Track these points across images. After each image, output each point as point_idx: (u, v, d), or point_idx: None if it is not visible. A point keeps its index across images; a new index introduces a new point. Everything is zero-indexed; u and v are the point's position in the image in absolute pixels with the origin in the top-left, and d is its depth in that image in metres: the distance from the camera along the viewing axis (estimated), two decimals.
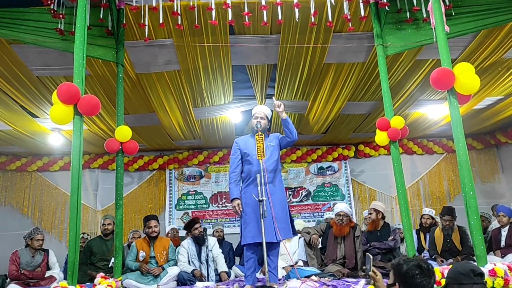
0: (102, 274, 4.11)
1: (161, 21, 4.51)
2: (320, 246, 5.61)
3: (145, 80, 6.03)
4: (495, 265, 3.21)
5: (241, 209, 4.08)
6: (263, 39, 5.38)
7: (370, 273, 2.59)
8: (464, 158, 3.49)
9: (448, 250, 5.78)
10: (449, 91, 3.58)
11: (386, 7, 4.74)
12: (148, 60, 5.60)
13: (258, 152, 3.95)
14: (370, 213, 5.68)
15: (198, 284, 4.89)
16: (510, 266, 3.91)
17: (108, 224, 6.06)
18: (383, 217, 5.72)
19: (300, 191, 9.58)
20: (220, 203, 9.37)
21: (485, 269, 3.18)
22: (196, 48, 5.39)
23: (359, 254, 5.31)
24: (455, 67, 3.57)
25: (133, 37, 5.13)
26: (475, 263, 2.76)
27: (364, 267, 2.56)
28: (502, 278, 3.13)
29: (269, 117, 4.38)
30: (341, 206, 5.56)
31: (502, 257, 5.37)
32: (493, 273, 3.13)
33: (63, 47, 4.52)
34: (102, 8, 4.60)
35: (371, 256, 2.80)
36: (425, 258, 6.01)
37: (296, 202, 9.49)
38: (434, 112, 7.81)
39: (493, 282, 3.11)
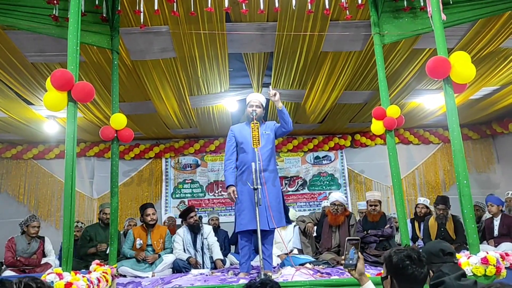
0: (97, 261, 4.12)
1: (156, 7, 4.47)
2: (315, 234, 5.64)
3: (141, 68, 5.99)
4: (487, 253, 3.23)
5: (236, 196, 4.10)
6: (260, 27, 5.34)
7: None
8: (458, 147, 3.49)
9: (442, 239, 5.78)
10: (445, 80, 3.57)
11: None
12: (143, 47, 5.56)
13: (253, 140, 3.95)
14: (375, 205, 5.66)
15: (193, 271, 4.92)
16: (503, 255, 3.95)
17: (109, 213, 6.05)
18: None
19: (296, 180, 9.61)
20: (216, 192, 9.39)
21: (478, 257, 3.21)
22: (192, 35, 5.35)
23: None
24: (451, 56, 3.56)
25: (128, 24, 5.09)
26: (446, 243, 2.75)
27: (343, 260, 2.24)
28: (494, 266, 3.15)
29: (264, 105, 4.38)
30: (336, 195, 5.59)
31: (495, 246, 5.43)
32: (485, 261, 3.15)
33: (57, 33, 4.47)
34: None
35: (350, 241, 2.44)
36: (419, 246, 6.06)
37: (292, 191, 9.52)
38: (431, 102, 7.81)
39: (485, 270, 3.14)
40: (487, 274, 3.13)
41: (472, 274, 3.14)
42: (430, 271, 2.23)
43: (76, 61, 3.54)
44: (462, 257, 3.28)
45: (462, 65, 3.49)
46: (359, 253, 2.37)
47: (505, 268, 3.81)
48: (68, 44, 3.61)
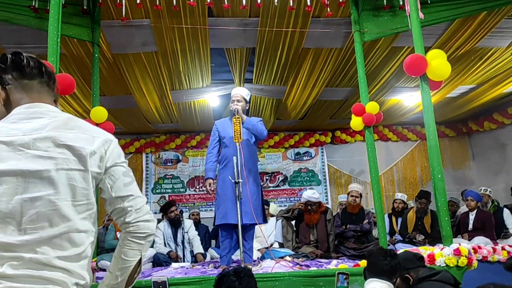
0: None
1: (138, 1, 4.45)
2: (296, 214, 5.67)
3: (122, 61, 5.95)
4: (459, 245, 3.35)
5: (212, 189, 4.11)
6: (242, 22, 5.37)
7: None
8: (433, 142, 3.60)
9: (419, 232, 5.97)
10: (421, 77, 3.67)
11: None
12: (124, 41, 5.53)
13: (234, 135, 3.97)
14: (356, 197, 5.75)
15: (173, 264, 4.92)
16: (475, 248, 4.09)
17: None
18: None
19: (277, 176, 9.68)
20: (197, 187, 9.39)
21: (450, 249, 3.32)
22: (174, 29, 5.34)
23: (331, 237, 5.43)
24: (428, 54, 3.66)
25: (109, 17, 5.04)
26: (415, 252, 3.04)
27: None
28: (466, 257, 3.27)
29: (248, 99, 4.38)
30: (307, 195, 5.55)
31: (469, 240, 5.59)
32: (457, 252, 3.26)
33: (37, 25, 4.41)
34: None
35: None
36: (396, 240, 6.21)
37: (273, 186, 9.59)
38: (409, 99, 7.97)
39: (457, 261, 3.25)
40: (459, 265, 3.25)
41: (445, 264, 3.25)
42: (409, 276, 2.49)
43: (56, 53, 3.52)
44: (436, 249, 3.38)
45: (438, 62, 3.59)
46: None
47: (478, 260, 3.96)
48: (49, 36, 3.58)
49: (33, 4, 4.38)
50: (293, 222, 5.77)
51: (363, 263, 3.55)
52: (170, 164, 9.48)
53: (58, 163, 1.24)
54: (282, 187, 9.64)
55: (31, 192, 1.20)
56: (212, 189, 4.14)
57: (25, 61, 1.34)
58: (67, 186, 1.25)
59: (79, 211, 1.27)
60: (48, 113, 1.33)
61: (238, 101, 4.25)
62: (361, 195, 5.83)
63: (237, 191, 3.84)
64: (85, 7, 4.63)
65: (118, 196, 1.37)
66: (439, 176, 3.53)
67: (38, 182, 1.21)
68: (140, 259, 1.39)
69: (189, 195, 9.35)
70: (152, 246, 5.39)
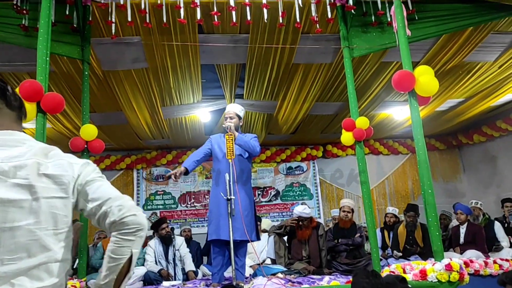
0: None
1: (129, 19, 4.47)
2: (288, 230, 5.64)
3: (112, 78, 5.95)
4: (451, 259, 3.34)
5: (176, 174, 4.04)
6: (232, 39, 5.41)
7: None
8: (423, 157, 3.62)
9: (410, 247, 5.96)
10: (410, 93, 3.71)
11: (352, 10, 4.85)
12: (115, 58, 5.54)
13: (227, 152, 3.98)
14: (348, 212, 5.75)
15: (164, 283, 4.87)
16: (467, 262, 4.09)
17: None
18: None
19: (269, 191, 9.65)
20: (189, 203, 9.32)
21: (442, 264, 3.31)
22: (164, 46, 5.37)
23: (323, 253, 5.40)
24: (415, 70, 3.70)
25: (100, 34, 5.06)
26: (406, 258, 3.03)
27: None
28: (457, 272, 3.26)
29: (241, 115, 4.38)
30: (298, 210, 5.53)
31: (461, 254, 5.59)
32: (449, 267, 3.25)
33: (26, 44, 4.42)
34: (68, 5, 4.51)
35: None
36: (388, 255, 6.19)
37: (265, 201, 9.56)
38: (399, 113, 8.04)
39: (449, 276, 3.24)
40: (451, 280, 3.24)
41: (437, 280, 3.24)
42: None
43: (45, 72, 3.51)
44: (428, 264, 3.38)
45: (426, 78, 3.63)
46: None
47: (470, 274, 3.96)
48: (38, 54, 3.58)
49: (23, 22, 4.39)
50: (285, 238, 5.74)
51: None
52: (162, 180, 9.43)
53: (38, 191, 1.21)
54: (274, 202, 9.61)
55: (10, 222, 1.17)
56: (177, 174, 4.05)
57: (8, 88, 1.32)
58: (48, 214, 1.22)
59: (59, 239, 1.25)
60: (25, 141, 1.30)
61: (231, 118, 4.26)
62: (352, 210, 5.84)
63: (229, 208, 3.83)
64: (75, 25, 4.65)
65: (97, 204, 1.32)
66: (429, 191, 3.55)
67: (18, 211, 1.18)
68: (131, 257, 1.30)
69: (181, 211, 9.28)
70: (142, 264, 5.32)
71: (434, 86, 3.62)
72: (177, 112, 7.33)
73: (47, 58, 3.59)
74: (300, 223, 5.45)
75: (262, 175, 9.70)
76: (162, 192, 9.34)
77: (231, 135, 4.03)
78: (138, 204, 9.10)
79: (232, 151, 3.96)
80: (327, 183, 9.83)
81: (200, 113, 7.47)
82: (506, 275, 2.38)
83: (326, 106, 7.57)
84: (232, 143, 3.99)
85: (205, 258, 6.83)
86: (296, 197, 9.63)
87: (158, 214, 9.05)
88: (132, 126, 7.74)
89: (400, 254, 5.87)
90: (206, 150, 4.34)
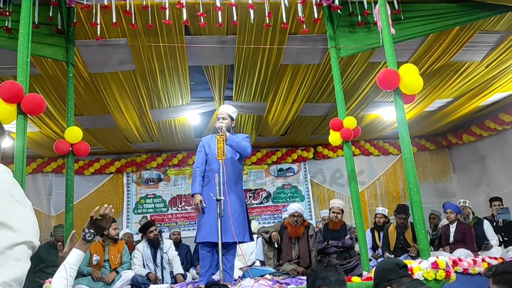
0: (51, 279, 3.97)
1: (114, 20, 4.43)
2: (276, 246, 5.63)
3: (99, 80, 5.90)
4: (437, 257, 3.33)
5: (204, 205, 4.04)
6: (219, 40, 5.39)
7: None
8: (408, 155, 3.62)
9: (401, 247, 5.96)
10: (395, 91, 3.71)
11: (338, 11, 4.85)
12: (101, 60, 5.49)
13: (218, 152, 3.95)
14: (338, 213, 5.72)
15: (152, 287, 4.81)
16: (455, 260, 4.09)
17: (60, 239, 5.70)
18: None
19: (260, 193, 9.62)
20: (180, 206, 9.26)
21: (428, 262, 3.30)
22: (151, 48, 5.33)
23: (313, 253, 5.38)
24: (400, 68, 3.69)
25: (85, 36, 5.01)
26: (397, 258, 2.86)
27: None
28: (444, 270, 3.25)
29: (234, 117, 4.35)
30: (294, 206, 5.56)
31: (451, 253, 5.59)
32: (435, 265, 3.24)
33: (9, 46, 4.37)
34: (51, 6, 4.47)
35: None
36: (379, 255, 6.18)
37: (257, 204, 9.53)
38: (388, 114, 8.05)
39: (435, 274, 3.23)
40: (437, 278, 3.23)
41: (423, 278, 3.22)
42: None
43: (26, 73, 3.47)
44: (414, 263, 3.36)
45: (410, 77, 3.63)
46: None
47: (459, 273, 3.96)
48: (18, 55, 3.53)
49: (6, 24, 4.34)
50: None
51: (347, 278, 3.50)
52: (152, 183, 9.36)
53: None
54: (265, 204, 9.57)
55: None
56: (204, 205, 4.05)
57: None
58: None
59: None
60: None
61: (223, 118, 4.24)
62: (342, 210, 5.81)
63: (218, 209, 3.79)
64: (59, 27, 4.60)
65: None
66: (415, 189, 3.55)
67: None
68: None
69: (171, 214, 9.22)
70: (130, 268, 5.26)
71: (419, 84, 3.62)
72: (166, 115, 7.29)
73: (28, 59, 3.54)
74: (296, 218, 5.42)
75: (253, 177, 9.66)
76: (153, 196, 9.27)
77: (223, 135, 4.00)
78: (128, 208, 9.04)
79: (223, 152, 3.93)
80: (318, 185, 9.82)
81: (190, 116, 7.43)
82: (489, 268, 2.25)
83: (315, 107, 7.56)
84: (223, 144, 3.95)
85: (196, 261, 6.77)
86: (288, 199, 9.60)
87: (149, 218, 8.96)
88: (120, 129, 7.68)
89: (392, 256, 5.84)
90: (203, 159, 4.28)
